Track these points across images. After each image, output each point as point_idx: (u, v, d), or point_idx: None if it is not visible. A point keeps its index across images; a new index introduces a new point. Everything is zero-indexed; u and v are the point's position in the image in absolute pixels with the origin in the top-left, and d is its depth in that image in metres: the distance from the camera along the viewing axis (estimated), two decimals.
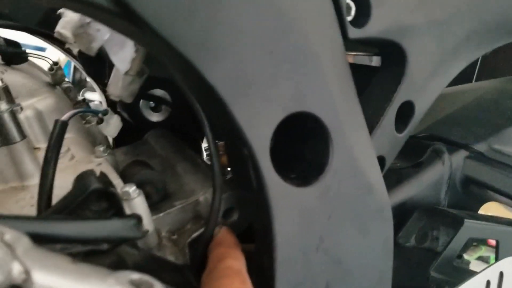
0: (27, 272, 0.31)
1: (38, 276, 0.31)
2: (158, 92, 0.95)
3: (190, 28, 0.44)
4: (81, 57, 0.83)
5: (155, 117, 0.98)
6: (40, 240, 0.36)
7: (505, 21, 0.85)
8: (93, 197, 0.48)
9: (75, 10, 0.50)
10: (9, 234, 0.32)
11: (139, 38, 0.51)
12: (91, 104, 1.01)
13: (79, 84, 3.23)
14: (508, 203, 0.99)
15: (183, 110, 0.99)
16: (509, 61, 2.26)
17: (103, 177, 0.51)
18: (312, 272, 0.59)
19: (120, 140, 0.97)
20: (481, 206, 1.03)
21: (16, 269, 0.31)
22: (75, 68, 3.17)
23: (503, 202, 1.00)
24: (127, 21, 0.41)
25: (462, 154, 0.99)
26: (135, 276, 0.34)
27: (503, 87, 1.22)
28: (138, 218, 0.45)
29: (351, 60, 0.95)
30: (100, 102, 1.17)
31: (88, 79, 1.02)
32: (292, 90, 0.54)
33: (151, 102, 0.97)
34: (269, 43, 0.51)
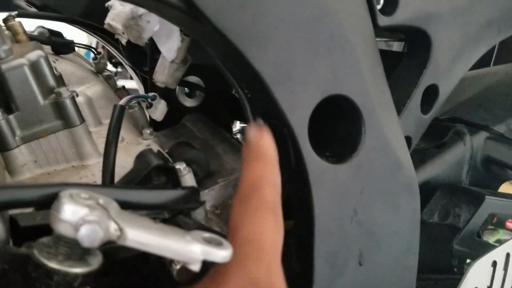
0: (121, 230, 0.37)
1: (130, 233, 0.37)
2: (193, 78, 1.01)
3: (241, 22, 0.50)
4: (122, 47, 0.89)
5: (189, 103, 1.04)
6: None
7: None
8: (154, 172, 0.54)
9: (139, 5, 0.55)
10: (102, 199, 0.38)
11: (195, 30, 0.56)
12: None
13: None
14: None
15: (216, 95, 1.04)
16: None
17: (161, 154, 0.57)
18: (347, 242, 0.64)
19: (156, 125, 1.03)
20: (501, 185, 1.08)
21: (112, 227, 0.37)
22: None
23: None
24: (190, 16, 0.46)
25: (482, 135, 1.03)
26: (207, 234, 0.40)
27: None
28: (196, 190, 0.51)
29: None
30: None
31: (128, 67, 1.07)
32: (328, 74, 0.59)
33: (186, 88, 1.02)
34: (308, 32, 0.56)
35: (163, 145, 0.82)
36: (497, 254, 0.84)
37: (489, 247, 0.85)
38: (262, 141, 0.51)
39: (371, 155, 0.65)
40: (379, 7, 0.67)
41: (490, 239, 2.72)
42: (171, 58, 0.69)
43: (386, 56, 0.91)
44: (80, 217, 0.35)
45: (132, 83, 1.38)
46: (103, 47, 1.49)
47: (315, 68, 0.58)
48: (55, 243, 0.38)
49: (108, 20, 0.73)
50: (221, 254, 0.38)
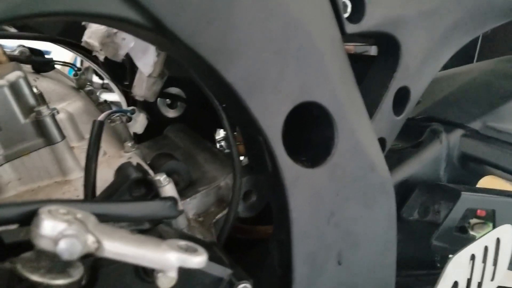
0: (99, 242, 0.39)
1: (107, 244, 0.39)
2: (174, 90, 1.03)
3: (210, 37, 0.52)
4: (101, 62, 0.91)
5: (171, 113, 1.07)
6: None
7: (490, 7, 0.91)
8: (134, 185, 0.56)
9: (111, 26, 0.57)
10: (80, 214, 0.40)
11: (166, 47, 0.58)
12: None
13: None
14: (504, 176, 1.07)
15: (197, 105, 1.07)
16: (509, 41, 2.30)
17: (140, 167, 0.59)
18: (325, 243, 0.67)
19: (140, 136, 1.05)
20: (478, 180, 1.10)
21: (90, 240, 0.39)
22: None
23: (499, 175, 1.08)
24: (159, 34, 0.48)
25: (458, 132, 1.06)
26: (182, 242, 0.42)
27: (495, 68, 1.29)
28: (174, 200, 0.53)
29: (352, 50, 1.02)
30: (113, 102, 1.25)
31: (109, 82, 1.10)
32: (299, 83, 0.61)
33: (168, 100, 1.05)
34: (276, 44, 0.58)
35: (145, 156, 0.84)
36: (475, 248, 0.86)
37: (467, 241, 0.87)
38: None
39: (344, 158, 0.67)
40: (346, 15, 0.69)
41: (480, 233, 2.75)
42: (148, 72, 0.72)
43: (362, 60, 0.93)
44: (59, 231, 0.37)
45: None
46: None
47: (286, 78, 0.60)
48: (37, 257, 0.40)
49: (85, 38, 0.75)
50: (196, 260, 0.40)
